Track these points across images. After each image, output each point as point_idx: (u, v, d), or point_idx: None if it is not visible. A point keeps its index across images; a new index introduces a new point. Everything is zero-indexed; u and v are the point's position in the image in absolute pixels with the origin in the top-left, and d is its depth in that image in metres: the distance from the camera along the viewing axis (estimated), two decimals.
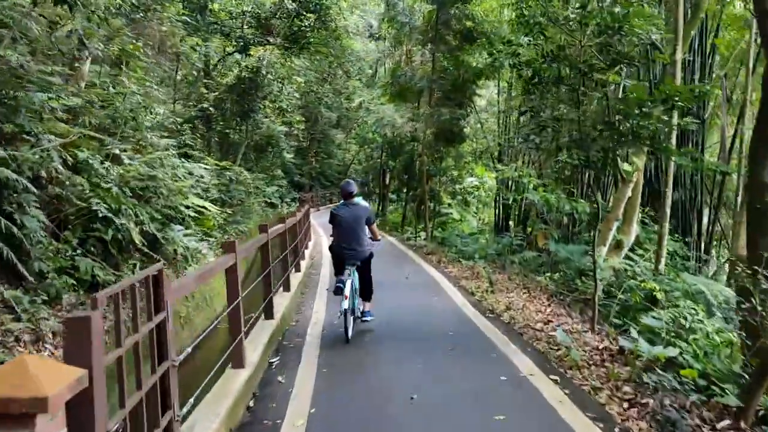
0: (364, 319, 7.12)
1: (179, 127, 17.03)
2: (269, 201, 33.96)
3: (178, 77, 22.50)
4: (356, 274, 6.95)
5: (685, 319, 6.32)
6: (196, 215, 13.54)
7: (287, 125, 31.01)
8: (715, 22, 13.25)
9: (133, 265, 9.35)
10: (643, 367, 5.45)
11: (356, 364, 5.61)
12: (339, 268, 6.89)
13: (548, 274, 10.35)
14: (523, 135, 7.72)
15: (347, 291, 6.42)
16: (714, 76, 13.45)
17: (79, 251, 8.17)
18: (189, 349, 3.73)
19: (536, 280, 10.44)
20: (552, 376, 5.18)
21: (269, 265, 6.80)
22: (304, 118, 38.81)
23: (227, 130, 20.01)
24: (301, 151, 43.79)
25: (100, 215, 8.17)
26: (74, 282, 7.89)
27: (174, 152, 11.85)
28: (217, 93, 18.36)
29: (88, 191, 8.72)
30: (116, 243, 9.10)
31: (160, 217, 10.46)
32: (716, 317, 7.21)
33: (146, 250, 9.79)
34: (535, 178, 12.43)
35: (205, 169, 16.65)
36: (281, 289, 8.54)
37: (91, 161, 8.94)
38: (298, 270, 10.63)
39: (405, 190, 21.46)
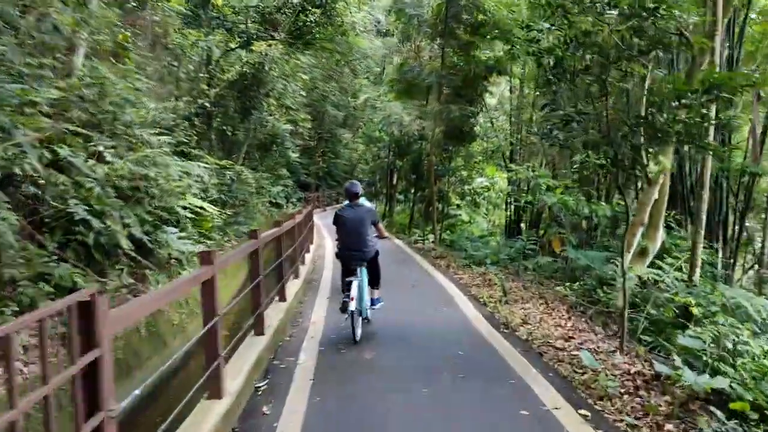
0: (373, 307, 7.16)
1: (176, 124, 16.39)
2: (274, 201, 33.39)
3: (181, 73, 21.90)
4: (364, 271, 6.89)
5: (730, 338, 5.55)
6: (193, 216, 12.88)
7: (292, 123, 30.39)
8: (743, 12, 12.44)
9: (120, 270, 8.69)
10: (685, 399, 4.71)
11: (354, 393, 4.89)
12: (347, 273, 6.79)
13: (567, 284, 9.58)
14: (543, 131, 6.95)
15: (354, 293, 6.36)
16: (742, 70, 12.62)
17: (57, 256, 7.52)
18: (136, 392, 3.01)
19: (553, 289, 9.69)
20: (581, 411, 4.44)
21: (259, 276, 6.09)
22: (310, 117, 38.26)
23: (228, 128, 19.33)
24: (307, 150, 43.15)
25: (77, 218, 7.50)
26: (52, 290, 7.24)
27: (168, 150, 11.18)
28: (217, 89, 17.69)
29: (71, 191, 8.07)
30: (101, 247, 8.45)
31: (150, 219, 9.79)
32: (764, 336, 6.43)
33: (134, 254, 9.13)
34: (549, 178, 11.69)
35: (205, 168, 16.02)
36: (276, 298, 7.85)
37: (73, 159, 8.28)
38: (296, 276, 9.93)
39: (413, 191, 20.73)
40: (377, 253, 7.03)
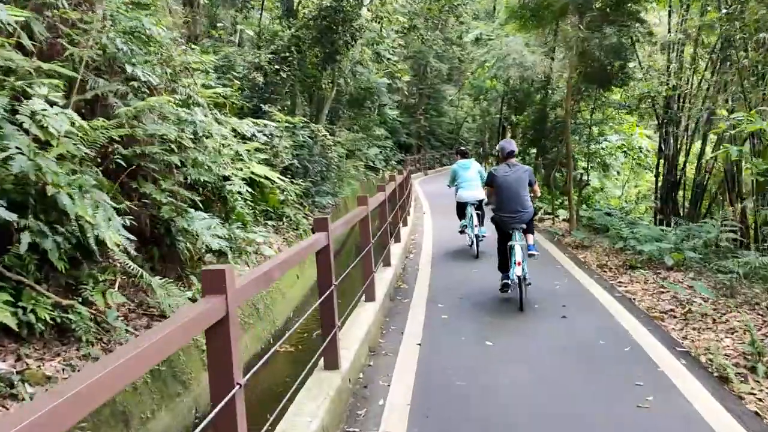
0: (531, 252, 6.65)
1: (240, 73, 13.38)
2: (372, 164, 30.28)
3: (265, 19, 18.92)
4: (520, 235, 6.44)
5: None
6: (250, 192, 9.85)
7: (390, 77, 26.79)
8: None
9: (105, 284, 5.69)
10: None
11: None
12: (504, 238, 6.55)
13: None
14: None
15: (519, 256, 6.14)
16: None
17: None
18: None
19: None
20: None
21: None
22: (410, 70, 34.41)
23: (309, 79, 16.06)
24: (408, 108, 39.55)
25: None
26: None
27: (201, 102, 8.04)
28: (293, 29, 14.39)
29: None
30: (79, 250, 5.48)
31: (167, 199, 6.73)
32: None
33: (135, 254, 6.12)
34: None
35: (274, 127, 12.94)
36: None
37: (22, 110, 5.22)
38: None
39: (535, 152, 16.46)
40: (535, 212, 6.98)
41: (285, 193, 12.10)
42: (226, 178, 9.35)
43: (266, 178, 11.23)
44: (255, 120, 11.32)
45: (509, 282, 6.31)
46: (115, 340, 5.39)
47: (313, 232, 3.99)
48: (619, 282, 7.31)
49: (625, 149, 22.54)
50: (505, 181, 6.44)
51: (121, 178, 6.13)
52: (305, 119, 14.05)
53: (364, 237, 5.67)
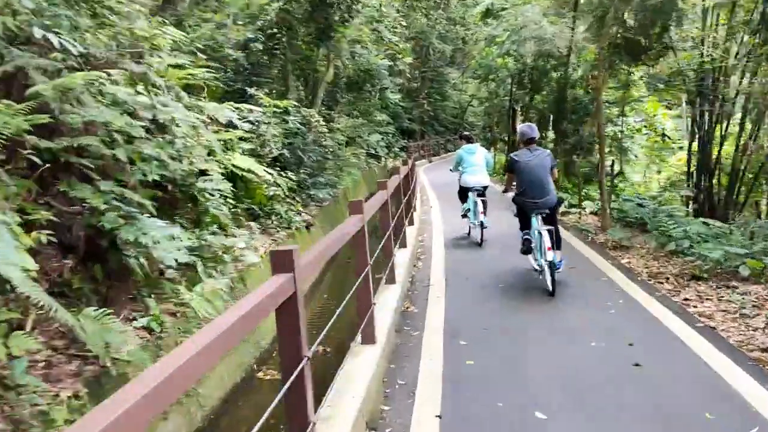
0: (558, 270, 6.13)
1: (222, 52, 11.82)
2: (374, 152, 28.71)
3: None
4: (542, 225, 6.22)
5: None
6: (232, 188, 8.37)
7: (391, 59, 25.11)
8: None
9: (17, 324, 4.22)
10: None
11: None
12: (525, 225, 6.55)
13: None
14: None
15: (547, 240, 5.97)
16: None
17: None
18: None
19: None
20: None
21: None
22: (411, 51, 32.64)
23: (299, 59, 14.44)
24: (410, 92, 37.84)
25: None
26: None
27: (157, 81, 6.47)
28: (281, 2, 12.74)
29: None
30: None
31: (109, 204, 5.25)
32: None
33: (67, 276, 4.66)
34: None
35: (263, 113, 11.41)
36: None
37: None
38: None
39: (554, 137, 14.74)
40: (560, 201, 6.88)
41: (274, 187, 10.59)
42: (203, 173, 7.88)
43: (250, 171, 9.73)
44: (237, 105, 9.76)
45: (530, 240, 6.35)
46: (20, 404, 3.91)
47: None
48: (686, 300, 5.75)
49: (646, 131, 20.99)
50: (527, 166, 6.34)
51: (33, 177, 4.61)
52: (296, 104, 12.45)
53: (361, 259, 4.12)
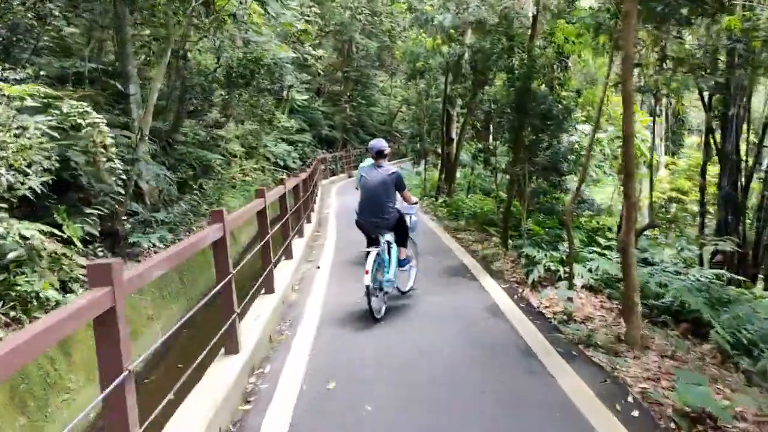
0: (402, 269, 6.33)
1: None
2: (283, 163, 23.67)
3: None
4: (387, 238, 6.08)
5: None
6: None
7: (296, 50, 20.11)
8: None
9: None
10: None
11: None
12: (369, 243, 6.15)
13: None
14: None
15: (369, 265, 5.52)
16: None
17: None
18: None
19: None
20: None
21: None
22: (331, 49, 27.73)
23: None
24: (331, 96, 32.98)
25: None
26: None
27: None
28: None
29: None
30: None
31: None
32: None
33: None
34: None
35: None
36: None
37: None
38: None
39: (511, 146, 9.66)
40: (401, 218, 6.14)
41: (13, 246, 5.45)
42: None
43: None
44: None
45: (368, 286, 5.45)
46: None
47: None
48: None
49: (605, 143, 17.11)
50: (366, 183, 6.08)
51: None
52: (54, 92, 7.18)
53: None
